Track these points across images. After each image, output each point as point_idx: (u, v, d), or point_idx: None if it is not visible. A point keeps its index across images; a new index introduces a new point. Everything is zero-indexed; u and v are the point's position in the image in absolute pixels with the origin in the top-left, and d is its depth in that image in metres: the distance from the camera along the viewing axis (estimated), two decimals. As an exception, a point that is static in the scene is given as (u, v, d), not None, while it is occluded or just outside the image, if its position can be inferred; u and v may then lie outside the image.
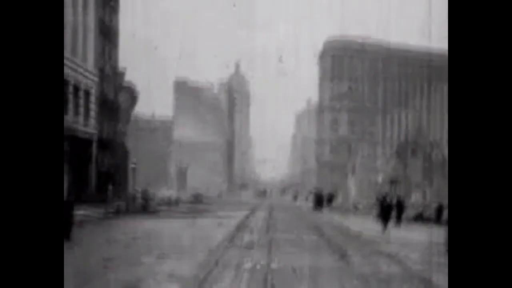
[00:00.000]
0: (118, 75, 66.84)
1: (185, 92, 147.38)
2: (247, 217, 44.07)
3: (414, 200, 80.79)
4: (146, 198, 52.08)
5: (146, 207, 48.69)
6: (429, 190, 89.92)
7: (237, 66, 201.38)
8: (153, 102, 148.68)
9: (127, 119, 74.19)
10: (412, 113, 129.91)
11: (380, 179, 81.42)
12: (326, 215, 49.42)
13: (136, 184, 78.38)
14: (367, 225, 37.38)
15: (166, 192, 77.84)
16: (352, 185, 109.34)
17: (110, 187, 58.95)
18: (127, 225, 34.43)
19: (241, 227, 33.71)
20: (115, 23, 64.82)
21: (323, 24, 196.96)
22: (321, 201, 59.43)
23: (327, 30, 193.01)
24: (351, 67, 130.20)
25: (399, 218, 39.09)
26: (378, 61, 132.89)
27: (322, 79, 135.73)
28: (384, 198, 39.00)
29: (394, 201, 39.75)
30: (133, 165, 64.88)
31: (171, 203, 63.57)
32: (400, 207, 40.07)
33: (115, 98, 65.09)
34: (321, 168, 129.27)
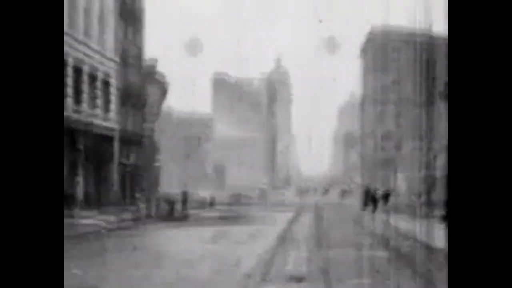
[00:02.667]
0: (144, 63, 58.58)
1: (224, 87, 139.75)
2: (291, 222, 35.77)
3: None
4: (185, 200, 44.12)
5: (172, 211, 40.41)
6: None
7: (278, 61, 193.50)
8: (191, 97, 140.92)
9: (156, 114, 65.89)
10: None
11: (437, 174, 72.21)
12: (380, 218, 40.75)
13: (167, 184, 70.51)
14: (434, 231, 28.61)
15: (202, 192, 69.12)
16: (401, 181, 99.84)
17: (137, 189, 51.43)
18: (132, 241, 25.91)
19: (283, 239, 25.21)
20: (139, 4, 56.67)
21: (365, 15, 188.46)
22: (374, 200, 50.22)
23: (369, 21, 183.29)
24: (395, 58, 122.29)
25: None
26: (423, 52, 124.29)
27: (365, 72, 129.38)
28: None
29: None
30: (157, 164, 56.15)
31: (205, 205, 55.55)
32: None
33: (141, 89, 56.89)
34: (365, 164, 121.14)
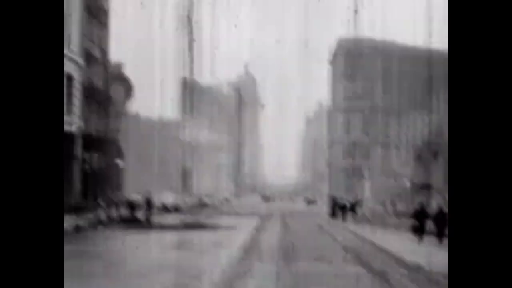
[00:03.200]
0: (109, 61, 56.47)
1: (193, 91, 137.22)
2: (256, 229, 34.07)
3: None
4: (149, 205, 41.58)
5: (134, 216, 38.37)
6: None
7: (246, 67, 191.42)
8: (159, 101, 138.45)
9: (121, 114, 63.72)
10: (428, 115, 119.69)
11: (407, 183, 70.39)
12: (351, 227, 39.15)
13: (131, 188, 68.30)
14: (405, 243, 27.00)
15: (166, 196, 66.83)
16: (368, 190, 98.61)
17: (99, 192, 49.23)
18: (87, 248, 23.91)
19: (249, 248, 23.46)
20: (103, 4, 54.53)
21: (334, 25, 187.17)
22: (344, 208, 48.79)
23: (338, 31, 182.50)
24: (365, 67, 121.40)
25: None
26: (393, 61, 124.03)
27: (334, 80, 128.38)
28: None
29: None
30: (121, 166, 53.63)
31: (169, 210, 53.53)
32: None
33: (106, 88, 54.74)
34: (333, 173, 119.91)
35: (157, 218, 42.02)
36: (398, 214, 51.98)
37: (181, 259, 19.79)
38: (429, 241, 27.37)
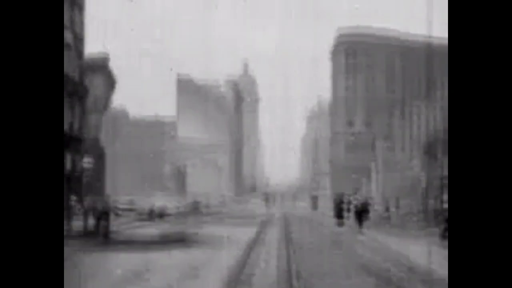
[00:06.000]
0: (83, 48, 48.22)
1: (189, 89, 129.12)
2: (254, 242, 26.00)
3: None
4: (106, 212, 32.25)
5: (97, 227, 29.83)
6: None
7: (245, 65, 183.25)
8: (154, 98, 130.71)
9: (101, 109, 55.45)
10: (432, 107, 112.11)
11: (423, 181, 61.68)
12: (380, 238, 30.79)
13: (118, 190, 60.20)
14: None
15: (157, 200, 57.96)
16: (374, 187, 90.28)
17: (73, 197, 41.54)
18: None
19: (239, 277, 15.36)
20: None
21: (334, 19, 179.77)
22: (357, 211, 39.02)
23: (337, 25, 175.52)
24: (366, 59, 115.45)
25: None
26: (394, 54, 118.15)
27: (335, 74, 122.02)
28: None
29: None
30: (86, 165, 44.18)
31: (153, 216, 45.37)
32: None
33: (81, 78, 46.51)
34: (335, 171, 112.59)
35: (132, 228, 34.01)
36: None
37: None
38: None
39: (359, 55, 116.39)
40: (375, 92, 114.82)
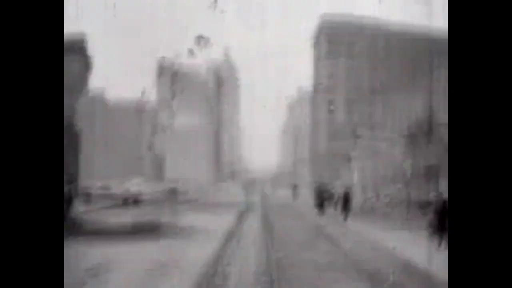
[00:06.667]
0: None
1: (170, 74, 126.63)
2: (230, 233, 24.10)
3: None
4: (69, 199, 30.27)
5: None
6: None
7: (226, 50, 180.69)
8: (135, 83, 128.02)
9: (76, 92, 53.13)
10: (414, 95, 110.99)
11: (407, 170, 59.75)
12: (353, 227, 29.09)
13: (94, 176, 58.02)
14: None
15: (132, 184, 55.95)
16: (355, 175, 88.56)
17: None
18: None
19: (211, 278, 13.48)
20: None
21: (315, 6, 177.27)
22: (344, 202, 37.09)
23: (319, 12, 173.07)
24: (348, 46, 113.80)
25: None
26: (377, 40, 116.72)
27: (317, 60, 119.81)
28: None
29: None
30: (77, 152, 42.61)
31: (127, 202, 43.44)
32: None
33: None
34: (315, 159, 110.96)
35: (106, 214, 32.08)
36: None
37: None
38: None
39: (341, 43, 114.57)
40: (357, 80, 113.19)
